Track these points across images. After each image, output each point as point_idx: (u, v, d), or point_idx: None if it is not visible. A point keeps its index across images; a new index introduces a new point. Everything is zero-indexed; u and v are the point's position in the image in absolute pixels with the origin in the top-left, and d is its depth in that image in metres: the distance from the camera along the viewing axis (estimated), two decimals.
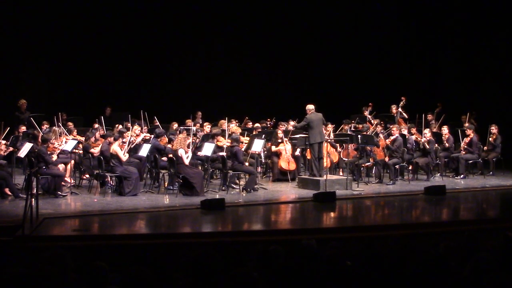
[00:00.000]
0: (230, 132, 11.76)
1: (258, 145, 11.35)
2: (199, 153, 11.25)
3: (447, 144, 12.82)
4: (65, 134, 11.72)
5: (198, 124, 14.04)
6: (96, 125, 12.75)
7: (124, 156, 10.32)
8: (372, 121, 14.28)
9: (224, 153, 11.03)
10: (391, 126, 12.53)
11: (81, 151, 11.46)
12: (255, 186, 10.95)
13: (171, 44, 16.66)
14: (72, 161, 11.26)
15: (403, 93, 14.98)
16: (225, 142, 11.36)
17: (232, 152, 10.81)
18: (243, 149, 11.14)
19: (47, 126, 12.56)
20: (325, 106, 12.73)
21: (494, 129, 12.88)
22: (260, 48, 16.97)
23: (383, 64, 16.43)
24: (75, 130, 12.46)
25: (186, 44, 16.85)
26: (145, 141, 11.72)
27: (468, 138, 12.68)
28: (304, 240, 5.12)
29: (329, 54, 16.85)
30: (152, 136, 11.84)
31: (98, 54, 15.83)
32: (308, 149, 12.36)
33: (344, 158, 12.65)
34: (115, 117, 13.84)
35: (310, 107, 11.35)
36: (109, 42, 15.96)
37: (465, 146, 12.62)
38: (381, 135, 12.37)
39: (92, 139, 11.51)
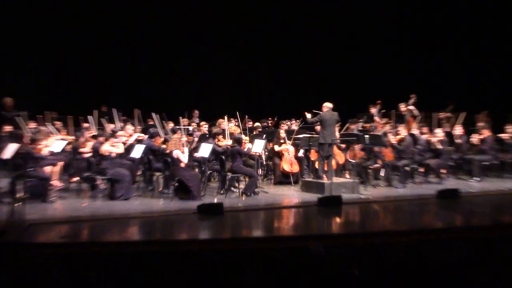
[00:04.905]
0: (229, 132, 11.74)
1: (258, 146, 11.32)
2: (195, 155, 11.21)
3: (459, 141, 12.80)
4: (52, 133, 11.68)
5: (195, 124, 14.01)
6: (86, 124, 12.72)
7: (118, 149, 10.32)
8: (380, 119, 14.25)
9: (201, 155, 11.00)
10: (398, 126, 12.51)
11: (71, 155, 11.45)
12: (256, 190, 10.93)
13: (166, 39, 16.66)
14: (61, 163, 11.23)
15: (413, 90, 14.96)
16: (226, 142, 11.33)
17: (233, 152, 10.78)
18: (245, 150, 11.10)
19: (35, 125, 12.54)
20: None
21: (509, 128, 12.85)
22: (260, 43, 16.96)
23: (391, 60, 16.42)
24: (65, 130, 12.45)
25: (182, 39, 16.85)
26: (138, 141, 11.69)
27: (482, 136, 12.66)
28: (311, 246, 5.10)
29: (334, 49, 16.85)
30: (146, 136, 11.82)
31: (90, 50, 15.83)
32: (311, 150, 12.33)
33: (350, 160, 12.62)
34: (107, 116, 13.82)
35: (327, 105, 11.30)
36: (101, 38, 15.97)
37: (477, 143, 12.60)
38: (390, 135, 12.34)
39: (82, 139, 11.48)
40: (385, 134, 12.64)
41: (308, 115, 11.46)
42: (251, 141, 11.56)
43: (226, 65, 16.88)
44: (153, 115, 13.33)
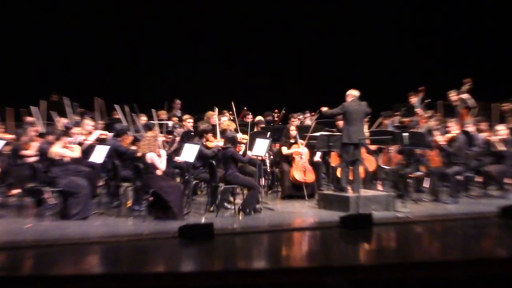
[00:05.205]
0: (221, 129, 11.73)
1: (261, 148, 11.28)
2: (177, 159, 11.19)
3: None
4: None
5: (176, 118, 14.01)
6: (30, 119, 12.72)
7: (73, 152, 10.29)
8: (424, 112, 14.24)
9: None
10: (447, 120, 12.51)
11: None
12: (257, 206, 10.89)
13: (140, 10, 16.63)
14: None
15: (466, 73, 14.94)
16: (217, 143, 11.32)
17: (225, 156, 10.76)
18: (240, 153, 11.09)
19: None
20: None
21: None
22: (263, 16, 16.92)
23: (437, 34, 16.41)
24: (2, 126, 12.46)
25: (161, 10, 16.81)
26: (100, 141, 11.66)
27: None
28: (331, 281, 5.08)
29: (361, 22, 16.82)
30: (111, 134, 11.80)
31: (36, 22, 15.84)
32: (331, 153, 12.29)
33: (384, 166, 12.59)
34: (58, 108, 13.83)
35: (352, 92, 11.27)
36: (52, 6, 15.97)
37: None
38: (436, 133, 12.33)
39: (25, 139, 11.46)
40: (430, 131, 12.60)
41: (326, 109, 11.40)
42: (252, 141, 11.53)
43: (218, 41, 16.86)
44: (117, 107, 13.29)
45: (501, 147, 12.38)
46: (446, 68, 15.89)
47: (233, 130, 11.55)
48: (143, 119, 13.34)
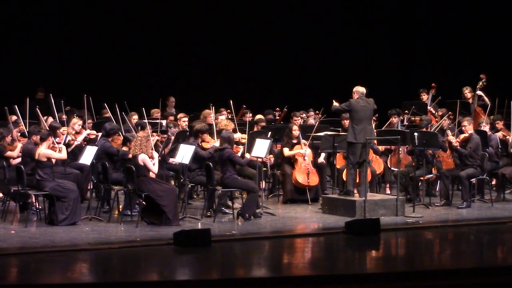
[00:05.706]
0: (218, 128, 11.75)
1: (261, 148, 11.31)
2: (171, 160, 11.22)
3: None
4: None
5: (171, 116, 14.01)
6: (13, 117, 12.70)
7: (60, 153, 10.32)
8: (436, 110, 14.24)
9: None
10: (462, 119, 12.51)
11: None
12: (257, 211, 10.92)
13: (128, 1, 16.65)
14: None
15: (481, 68, 14.94)
16: (214, 144, 11.35)
17: (222, 158, 10.79)
18: (239, 154, 11.12)
19: None
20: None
21: None
22: (264, 8, 16.92)
23: (449, 26, 16.42)
24: None
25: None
26: (89, 141, 11.68)
27: None
28: None
29: (367, 15, 16.84)
30: (100, 134, 11.82)
31: (19, 13, 15.84)
32: (337, 154, 12.30)
33: (392, 168, 12.60)
34: (44, 105, 13.84)
35: (359, 89, 11.27)
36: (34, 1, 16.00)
37: None
38: (449, 133, 12.34)
39: (8, 139, 11.45)
40: (442, 131, 12.62)
41: (336, 104, 11.38)
42: (251, 142, 11.54)
43: (215, 34, 16.87)
44: (106, 105, 13.31)
45: None
46: (458, 63, 15.87)
47: (230, 129, 11.53)
48: (135, 117, 13.34)
